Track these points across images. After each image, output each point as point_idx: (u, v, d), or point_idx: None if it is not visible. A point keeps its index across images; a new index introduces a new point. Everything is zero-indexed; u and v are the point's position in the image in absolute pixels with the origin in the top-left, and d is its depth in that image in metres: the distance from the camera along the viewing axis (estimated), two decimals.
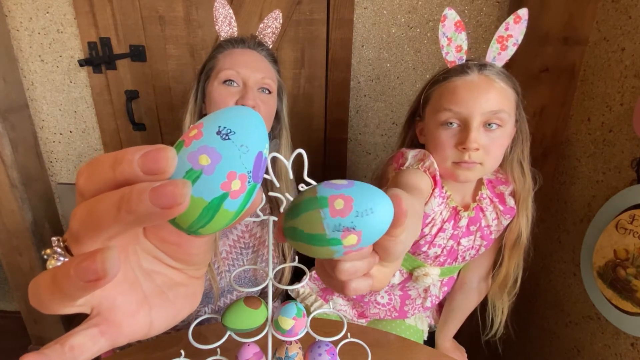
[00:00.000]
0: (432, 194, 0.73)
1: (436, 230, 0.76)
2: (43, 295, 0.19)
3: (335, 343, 0.54)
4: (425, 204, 0.72)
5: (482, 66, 0.69)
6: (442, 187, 0.76)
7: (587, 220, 0.98)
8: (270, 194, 0.53)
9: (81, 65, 1.23)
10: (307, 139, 1.31)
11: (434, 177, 0.72)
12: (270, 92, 0.81)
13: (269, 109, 0.81)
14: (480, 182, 0.80)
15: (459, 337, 1.04)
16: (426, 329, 0.98)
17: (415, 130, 0.81)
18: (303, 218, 0.24)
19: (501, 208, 0.78)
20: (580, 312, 1.03)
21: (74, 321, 1.55)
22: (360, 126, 1.29)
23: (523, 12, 0.69)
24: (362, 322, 0.96)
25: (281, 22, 0.87)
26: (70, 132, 1.38)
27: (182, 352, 0.51)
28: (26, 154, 1.33)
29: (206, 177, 0.20)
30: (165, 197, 0.17)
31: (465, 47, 0.71)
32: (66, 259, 0.20)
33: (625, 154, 0.90)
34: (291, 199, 0.48)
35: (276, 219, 0.48)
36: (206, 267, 0.28)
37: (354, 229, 0.23)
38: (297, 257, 0.59)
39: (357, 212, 0.22)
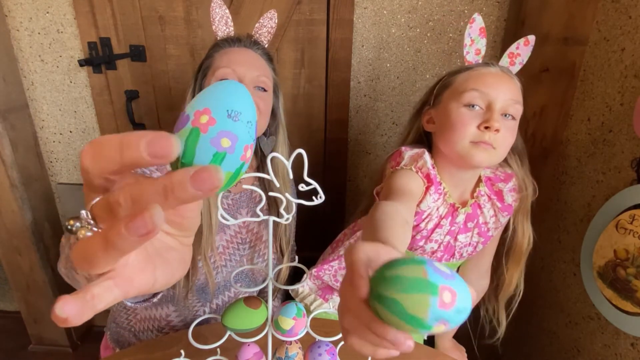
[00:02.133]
0: (427, 191, 0.75)
1: (433, 226, 0.78)
2: (96, 255, 0.22)
3: (335, 343, 0.54)
4: (421, 201, 0.75)
5: (501, 66, 0.77)
6: (440, 184, 0.77)
7: (587, 220, 0.98)
8: (271, 194, 0.53)
9: (81, 65, 1.23)
10: (307, 139, 1.31)
11: (427, 176, 0.75)
12: (266, 90, 0.82)
13: (265, 107, 0.82)
14: (479, 179, 0.81)
15: (458, 337, 1.04)
16: None
17: (421, 120, 0.83)
18: (410, 298, 0.25)
19: (499, 205, 0.80)
20: (580, 312, 1.03)
21: None
22: (360, 126, 1.29)
23: (532, 38, 0.77)
24: None
25: (276, 21, 0.87)
26: (70, 132, 1.38)
27: (182, 352, 0.51)
28: (26, 154, 1.33)
29: (230, 155, 0.25)
30: (204, 182, 0.21)
31: (483, 52, 0.78)
32: (95, 228, 0.24)
33: (625, 154, 0.90)
34: (291, 198, 0.49)
35: (276, 219, 0.48)
36: (193, 234, 0.32)
37: (448, 322, 0.25)
38: (297, 257, 0.59)
39: (458, 308, 0.25)
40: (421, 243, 0.79)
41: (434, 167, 0.78)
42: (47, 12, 1.22)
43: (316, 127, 1.30)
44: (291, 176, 0.45)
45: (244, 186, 0.91)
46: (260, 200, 0.93)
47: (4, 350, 1.60)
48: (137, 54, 1.22)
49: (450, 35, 1.14)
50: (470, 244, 0.82)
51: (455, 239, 0.80)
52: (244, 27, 1.16)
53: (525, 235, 0.83)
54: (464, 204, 0.80)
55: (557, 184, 1.15)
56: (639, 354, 0.85)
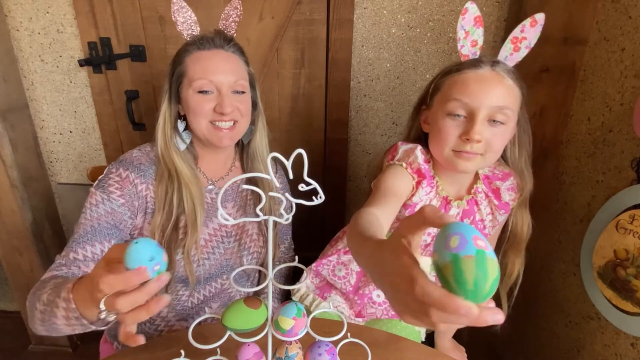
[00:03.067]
0: (418, 184, 0.76)
1: None
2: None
3: (335, 343, 0.54)
4: (413, 195, 0.77)
5: (495, 62, 0.71)
6: (433, 178, 0.79)
7: (587, 220, 0.98)
8: (271, 194, 0.53)
9: (81, 65, 1.23)
10: (307, 139, 1.31)
11: (418, 171, 0.76)
12: (244, 92, 0.83)
13: (245, 108, 0.83)
14: (476, 177, 0.82)
15: (458, 337, 1.04)
16: (423, 330, 0.98)
17: (419, 120, 0.83)
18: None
19: (496, 203, 0.80)
20: (580, 312, 1.03)
21: None
22: (360, 126, 1.29)
23: (540, 17, 0.69)
24: (359, 321, 0.96)
25: (242, 9, 0.86)
26: (70, 132, 1.38)
27: (182, 352, 0.51)
28: (26, 154, 1.33)
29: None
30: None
31: (480, 42, 0.72)
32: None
33: (625, 154, 0.90)
34: (291, 198, 0.49)
35: (276, 218, 0.48)
36: None
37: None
38: (297, 257, 0.59)
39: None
40: None
41: (427, 162, 0.79)
42: (47, 12, 1.22)
43: (316, 127, 1.30)
44: (291, 176, 0.45)
45: (244, 186, 0.92)
46: (249, 195, 0.93)
47: (4, 350, 1.60)
48: (137, 54, 1.22)
49: (450, 35, 1.14)
50: None
51: None
52: (244, 27, 1.16)
53: (525, 224, 0.83)
54: (459, 199, 0.80)
55: (557, 184, 1.15)
56: (639, 354, 0.85)
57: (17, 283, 1.46)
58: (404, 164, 0.77)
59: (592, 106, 1.02)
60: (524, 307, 1.32)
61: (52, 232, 1.46)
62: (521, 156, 0.80)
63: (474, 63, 0.71)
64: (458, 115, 0.71)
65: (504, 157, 0.83)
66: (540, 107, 1.09)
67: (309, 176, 0.46)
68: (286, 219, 0.48)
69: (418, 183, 0.77)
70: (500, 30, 1.12)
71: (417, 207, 0.77)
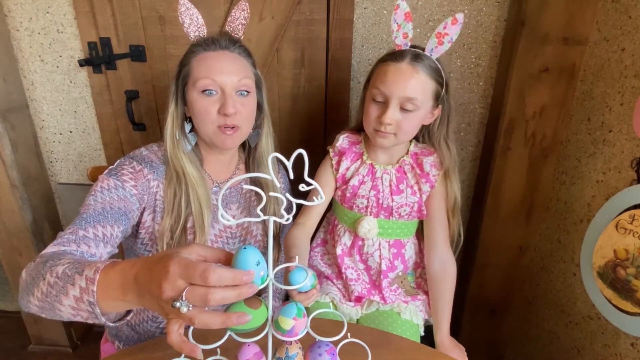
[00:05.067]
0: (340, 161, 0.97)
1: (358, 183, 0.95)
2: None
3: (335, 343, 0.54)
4: (337, 169, 0.97)
5: (416, 57, 0.82)
6: (361, 153, 0.97)
7: (587, 220, 0.98)
8: (271, 194, 0.53)
9: (81, 65, 1.23)
10: (307, 139, 1.31)
11: (339, 152, 0.98)
12: (249, 92, 0.82)
13: (249, 110, 0.83)
14: (406, 152, 0.96)
15: (458, 337, 1.04)
16: (421, 323, 0.99)
17: (365, 96, 0.93)
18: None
19: (419, 172, 0.94)
20: (580, 312, 1.03)
21: (73, 322, 1.54)
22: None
23: (460, 16, 0.81)
24: (357, 308, 0.99)
25: (249, 12, 0.86)
26: (70, 132, 1.38)
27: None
28: (26, 154, 1.33)
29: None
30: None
31: (410, 35, 0.83)
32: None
33: (625, 154, 0.90)
34: (291, 198, 0.49)
35: (276, 218, 0.48)
36: None
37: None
38: (297, 257, 0.59)
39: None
40: (352, 200, 0.96)
41: (354, 143, 0.98)
42: (47, 12, 1.22)
43: (316, 127, 1.30)
44: (291, 176, 0.45)
45: (244, 186, 0.92)
46: (252, 197, 0.93)
47: (4, 350, 1.60)
48: (137, 54, 1.22)
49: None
50: (406, 204, 0.94)
51: (392, 199, 0.94)
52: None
53: (452, 192, 0.95)
54: (388, 165, 0.96)
55: (557, 184, 1.15)
56: (639, 354, 0.85)
57: (17, 283, 1.46)
58: (330, 148, 1.00)
59: (592, 106, 1.02)
60: (524, 307, 1.32)
61: (52, 232, 1.46)
62: (440, 132, 0.93)
63: (398, 55, 0.83)
64: (378, 100, 0.85)
65: (428, 133, 0.96)
66: (540, 107, 1.09)
67: (309, 176, 0.46)
68: (287, 219, 0.48)
69: (339, 160, 0.97)
70: (500, 30, 1.12)
71: (349, 174, 0.96)
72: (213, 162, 0.89)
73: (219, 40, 0.81)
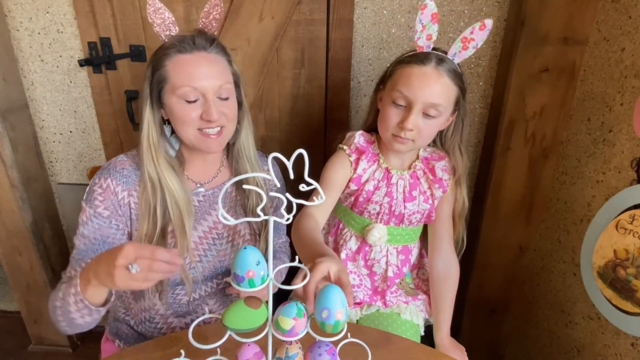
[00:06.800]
0: (358, 160, 0.91)
1: (372, 188, 0.91)
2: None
3: (335, 343, 0.54)
4: (355, 169, 0.91)
5: (441, 60, 0.78)
6: (377, 154, 0.92)
7: (587, 220, 0.98)
8: (271, 194, 0.53)
9: (81, 65, 1.23)
10: (307, 139, 1.31)
11: (357, 149, 0.92)
12: (229, 98, 0.80)
13: (231, 112, 0.81)
14: (417, 156, 0.94)
15: (458, 337, 1.04)
16: (422, 323, 0.99)
17: (378, 96, 0.91)
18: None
19: (431, 177, 0.92)
20: (580, 312, 1.03)
21: None
22: (360, 126, 1.29)
23: (488, 22, 0.77)
24: (357, 310, 0.98)
25: (222, 5, 0.82)
26: (70, 132, 1.38)
27: (182, 352, 0.51)
28: (26, 154, 1.33)
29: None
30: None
31: (434, 37, 0.79)
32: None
33: (625, 154, 0.90)
34: (291, 198, 0.49)
35: (276, 219, 0.48)
36: None
37: None
38: (297, 257, 0.59)
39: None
40: (364, 205, 0.93)
41: (369, 143, 0.93)
42: (47, 12, 1.22)
43: (316, 127, 1.30)
44: (292, 176, 0.45)
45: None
46: (238, 195, 0.92)
47: (4, 350, 1.60)
48: (137, 54, 1.22)
49: (450, 35, 1.14)
50: (418, 211, 0.93)
51: (404, 207, 0.92)
52: (244, 27, 1.16)
53: (460, 200, 0.94)
54: (402, 170, 0.93)
55: (557, 184, 1.15)
56: (639, 354, 0.85)
57: (17, 283, 1.46)
58: (345, 147, 0.93)
59: (592, 106, 1.02)
60: (524, 307, 1.32)
61: (52, 232, 1.46)
62: (454, 138, 0.91)
63: (422, 58, 0.79)
64: (399, 104, 0.81)
65: (441, 138, 0.94)
66: (540, 107, 1.09)
67: (309, 176, 0.46)
68: (287, 219, 0.48)
69: (357, 159, 0.91)
70: (500, 30, 1.12)
71: (363, 178, 0.91)
72: (196, 164, 0.87)
73: (194, 40, 0.77)
